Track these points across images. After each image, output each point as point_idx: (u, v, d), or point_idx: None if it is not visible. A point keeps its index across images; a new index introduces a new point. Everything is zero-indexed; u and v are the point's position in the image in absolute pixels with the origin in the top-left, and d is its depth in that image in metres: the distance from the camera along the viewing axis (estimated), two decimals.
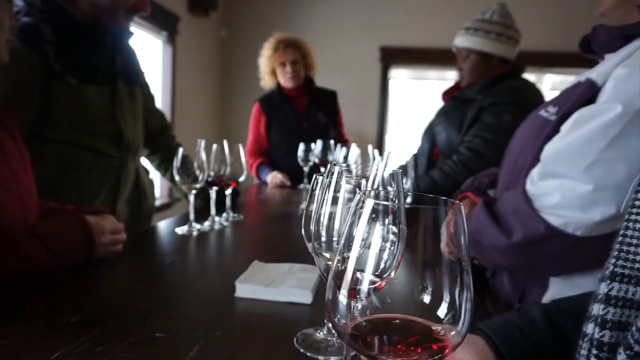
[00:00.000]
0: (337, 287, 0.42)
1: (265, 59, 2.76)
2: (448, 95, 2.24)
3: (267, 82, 2.83)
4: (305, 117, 2.76)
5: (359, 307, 0.41)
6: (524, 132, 1.13)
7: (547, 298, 0.99)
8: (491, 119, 1.92)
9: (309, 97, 2.79)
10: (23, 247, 0.92)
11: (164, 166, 1.79)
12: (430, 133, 2.22)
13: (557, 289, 0.98)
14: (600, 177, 0.84)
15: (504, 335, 0.64)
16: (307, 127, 2.73)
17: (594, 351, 0.50)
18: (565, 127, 0.95)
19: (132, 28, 1.48)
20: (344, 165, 0.65)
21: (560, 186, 0.89)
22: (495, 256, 1.01)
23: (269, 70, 2.77)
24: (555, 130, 0.98)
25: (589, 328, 0.51)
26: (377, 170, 0.71)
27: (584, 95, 0.95)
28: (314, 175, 0.68)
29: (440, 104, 2.27)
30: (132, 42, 1.54)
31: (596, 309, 0.50)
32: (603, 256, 0.89)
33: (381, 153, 2.30)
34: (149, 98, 1.69)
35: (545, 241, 0.91)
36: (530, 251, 0.94)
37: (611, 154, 0.83)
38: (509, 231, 0.95)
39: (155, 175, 1.82)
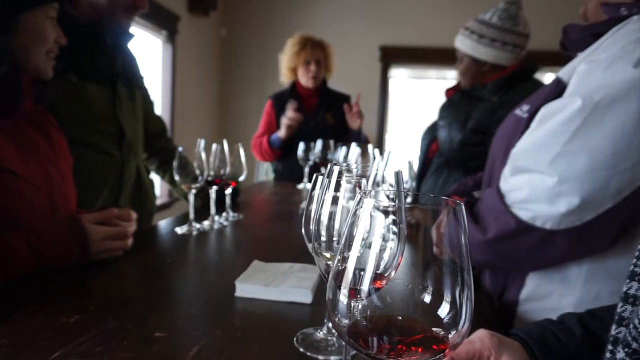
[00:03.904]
0: (338, 286, 0.42)
1: (289, 56, 2.78)
2: (452, 92, 2.14)
3: (286, 78, 2.85)
4: (314, 116, 2.77)
5: (360, 306, 0.41)
6: (501, 132, 1.15)
7: (524, 294, 1.01)
8: None
9: (320, 97, 2.81)
10: (11, 248, 0.91)
11: (163, 168, 1.80)
12: (432, 130, 2.19)
13: (534, 285, 1.00)
14: (564, 169, 0.86)
15: (539, 340, 0.65)
16: (314, 126, 2.73)
17: (609, 347, 0.50)
18: (533, 124, 0.98)
19: (133, 29, 1.49)
20: (344, 164, 0.65)
21: (529, 181, 0.92)
22: (474, 253, 1.02)
23: (291, 67, 2.79)
24: (527, 126, 1.01)
25: (612, 329, 0.52)
26: (377, 169, 0.70)
27: (552, 92, 0.98)
28: (314, 175, 0.68)
29: (439, 102, 2.23)
30: (133, 45, 1.55)
31: (618, 308, 0.51)
32: (575, 250, 0.91)
33: (381, 152, 2.30)
34: (149, 103, 1.71)
35: (516, 236, 0.93)
36: (504, 246, 0.96)
37: (573, 146, 0.86)
38: (485, 228, 0.98)
39: (154, 177, 1.82)
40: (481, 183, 1.27)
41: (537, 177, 0.90)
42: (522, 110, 1.06)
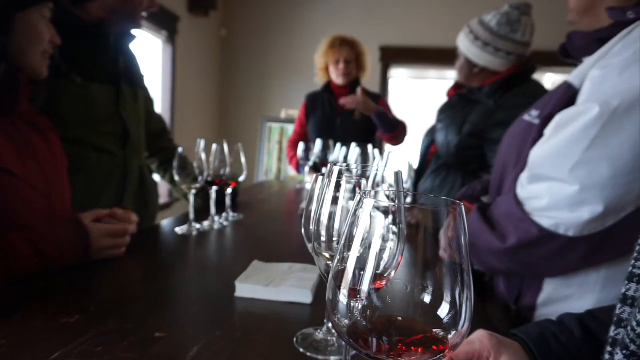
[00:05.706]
0: (338, 286, 0.42)
1: (320, 56, 2.84)
2: (454, 91, 2.13)
3: (320, 78, 2.93)
4: (342, 112, 2.81)
5: (359, 307, 0.41)
6: (510, 137, 1.14)
7: (542, 298, 1.00)
8: None
9: (350, 94, 2.84)
10: (13, 248, 0.91)
11: (164, 168, 1.80)
12: (431, 133, 2.20)
13: (552, 289, 0.99)
14: (585, 177, 0.85)
15: (538, 340, 0.65)
16: (340, 123, 2.79)
17: (608, 348, 0.50)
18: (548, 131, 0.97)
19: (136, 31, 1.50)
20: (344, 164, 0.65)
21: (548, 189, 0.91)
22: (491, 260, 1.02)
23: (322, 67, 2.86)
24: (539, 133, 0.99)
25: (611, 331, 0.52)
26: (377, 169, 0.71)
27: (563, 97, 0.97)
28: (314, 175, 0.68)
29: (439, 102, 2.24)
30: (134, 45, 1.56)
31: (617, 309, 0.51)
32: (596, 255, 0.91)
33: (381, 153, 2.30)
34: (149, 101, 1.72)
35: (538, 243, 0.92)
36: (525, 254, 0.95)
37: (593, 154, 0.85)
38: (504, 235, 0.96)
39: (154, 176, 1.83)
40: (488, 188, 1.26)
41: (557, 185, 0.89)
42: (531, 116, 1.04)
